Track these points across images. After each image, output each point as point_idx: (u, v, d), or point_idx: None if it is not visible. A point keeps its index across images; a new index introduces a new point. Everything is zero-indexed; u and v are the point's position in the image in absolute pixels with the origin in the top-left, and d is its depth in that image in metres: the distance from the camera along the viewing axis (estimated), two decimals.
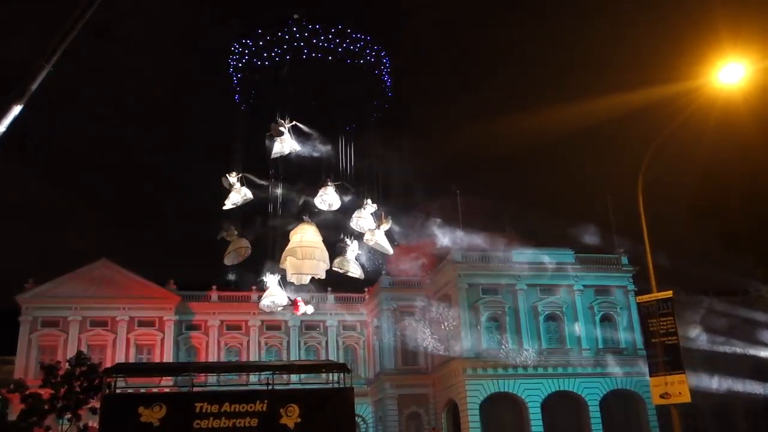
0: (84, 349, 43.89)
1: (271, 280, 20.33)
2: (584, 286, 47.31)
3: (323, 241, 19.93)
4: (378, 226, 20.37)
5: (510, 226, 45.80)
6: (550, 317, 46.55)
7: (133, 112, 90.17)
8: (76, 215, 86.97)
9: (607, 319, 47.09)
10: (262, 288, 49.94)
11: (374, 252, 21.81)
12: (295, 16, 21.43)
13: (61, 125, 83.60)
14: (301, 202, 21.25)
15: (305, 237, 19.17)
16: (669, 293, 20.37)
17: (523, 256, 46.83)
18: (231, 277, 45.24)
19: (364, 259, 21.41)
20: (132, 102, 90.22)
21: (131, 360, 46.71)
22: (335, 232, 20.93)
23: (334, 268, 19.61)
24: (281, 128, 20.53)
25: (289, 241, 19.78)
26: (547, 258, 47.03)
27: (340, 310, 52.04)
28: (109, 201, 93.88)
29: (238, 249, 20.26)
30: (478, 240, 47.31)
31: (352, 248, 20.08)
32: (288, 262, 19.25)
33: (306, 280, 20.04)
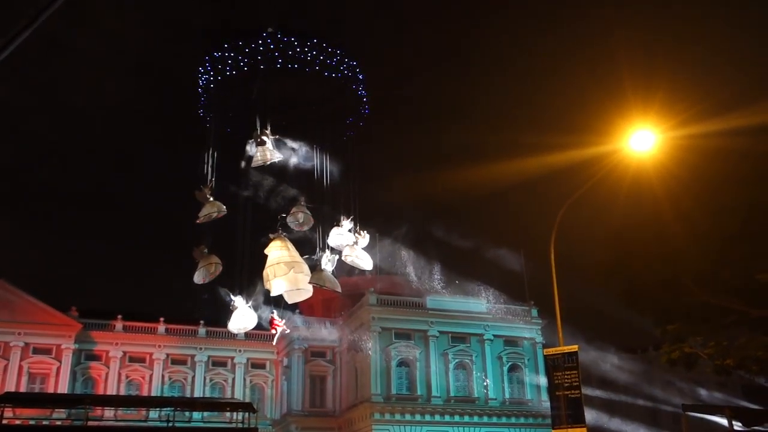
0: None
1: (238, 301, 19.50)
2: (494, 335, 48.15)
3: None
4: (355, 242, 20.11)
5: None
6: (460, 365, 47.00)
7: (70, 130, 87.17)
8: None
9: (514, 370, 47.97)
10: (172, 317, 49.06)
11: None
12: (270, 30, 21.35)
13: None
14: (279, 219, 20.66)
15: (273, 254, 18.76)
16: (575, 347, 20.91)
17: (436, 302, 47.42)
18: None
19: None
20: (71, 118, 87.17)
21: (22, 389, 44.14)
22: (311, 248, 20.51)
23: (309, 283, 19.00)
24: (264, 137, 20.31)
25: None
26: (459, 306, 47.75)
27: (250, 347, 50.90)
28: (28, 221, 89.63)
29: (207, 266, 19.43)
30: (393, 284, 47.67)
31: (327, 261, 19.54)
32: (269, 283, 18.66)
33: (299, 296, 19.37)
